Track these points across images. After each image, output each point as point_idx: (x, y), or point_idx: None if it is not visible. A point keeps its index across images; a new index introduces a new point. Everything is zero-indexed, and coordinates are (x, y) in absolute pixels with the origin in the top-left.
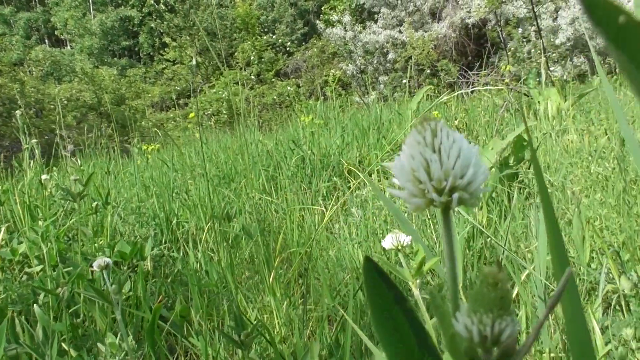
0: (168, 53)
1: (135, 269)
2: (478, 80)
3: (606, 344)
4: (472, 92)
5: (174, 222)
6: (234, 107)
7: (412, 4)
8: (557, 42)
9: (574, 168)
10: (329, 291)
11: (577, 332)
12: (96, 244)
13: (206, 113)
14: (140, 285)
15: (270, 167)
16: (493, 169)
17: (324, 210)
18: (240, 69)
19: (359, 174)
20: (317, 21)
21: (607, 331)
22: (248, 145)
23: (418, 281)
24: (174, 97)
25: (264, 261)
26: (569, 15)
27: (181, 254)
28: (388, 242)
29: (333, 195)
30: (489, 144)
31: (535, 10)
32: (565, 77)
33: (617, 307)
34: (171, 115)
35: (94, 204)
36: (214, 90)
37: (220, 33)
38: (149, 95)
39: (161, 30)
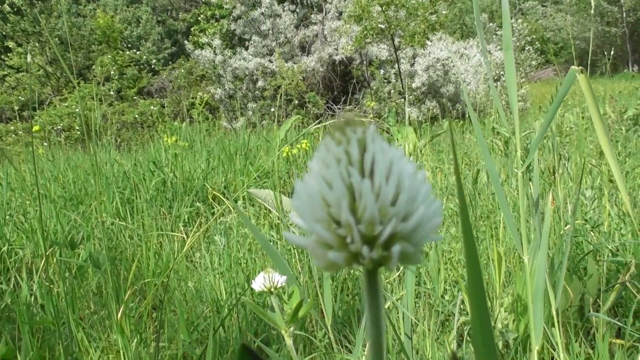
0: (11, 59)
1: None
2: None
3: None
4: None
5: (4, 248)
6: (88, 124)
7: (283, 35)
8: (414, 85)
9: None
10: (186, 326)
11: None
12: None
13: (55, 128)
14: None
15: (127, 189)
16: None
17: (185, 237)
18: (98, 83)
19: (224, 199)
20: (186, 42)
21: None
22: (102, 165)
23: (292, 328)
24: (17, 108)
25: (112, 294)
26: (425, 62)
27: (11, 285)
28: (259, 282)
29: (195, 222)
30: None
31: (396, 54)
32: (419, 118)
33: (468, 338)
34: (12, 127)
35: None
36: (66, 104)
37: (76, 43)
38: None
39: (4, 33)
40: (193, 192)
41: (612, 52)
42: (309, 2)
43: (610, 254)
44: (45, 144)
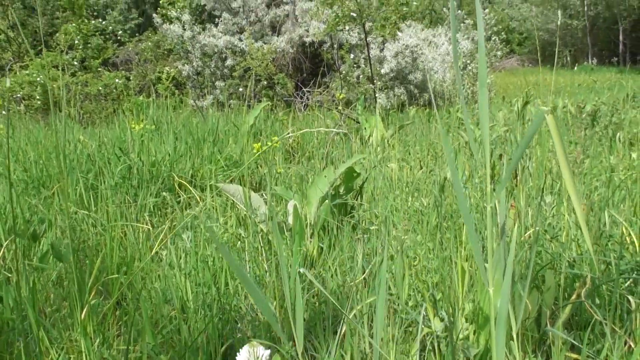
0: None
1: None
2: (312, 99)
3: None
4: (305, 108)
5: None
6: (51, 94)
7: (253, 13)
8: (383, 71)
9: (396, 202)
10: (150, 328)
11: None
12: None
13: (15, 96)
14: None
15: (91, 173)
16: (326, 200)
17: (150, 227)
18: (62, 51)
19: (192, 189)
20: (154, 14)
21: None
22: (65, 145)
23: None
24: None
25: (75, 292)
26: (394, 48)
27: None
28: (244, 357)
29: (161, 211)
30: (322, 172)
31: (366, 39)
32: (387, 106)
33: (431, 348)
34: None
35: None
36: (27, 72)
37: (39, 8)
38: None
39: None
40: (160, 179)
41: (573, 48)
42: None
43: (567, 264)
44: (4, 112)
